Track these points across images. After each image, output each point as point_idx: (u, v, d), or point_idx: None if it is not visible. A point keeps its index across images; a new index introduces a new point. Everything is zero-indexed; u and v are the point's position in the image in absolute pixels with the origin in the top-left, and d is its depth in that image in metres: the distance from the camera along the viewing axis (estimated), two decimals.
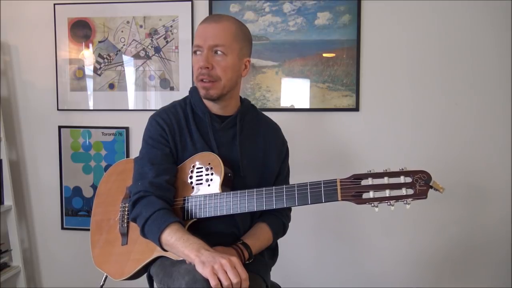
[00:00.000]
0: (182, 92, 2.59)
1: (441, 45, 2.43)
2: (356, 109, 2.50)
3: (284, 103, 2.55)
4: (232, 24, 1.55)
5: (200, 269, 1.26)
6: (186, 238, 1.37)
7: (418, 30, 2.45)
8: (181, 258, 1.42)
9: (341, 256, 2.61)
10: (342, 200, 1.36)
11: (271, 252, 1.75)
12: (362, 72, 2.49)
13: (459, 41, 2.42)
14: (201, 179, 1.54)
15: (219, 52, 1.52)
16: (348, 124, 2.53)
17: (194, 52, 1.56)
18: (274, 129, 1.76)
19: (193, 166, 1.56)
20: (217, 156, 1.53)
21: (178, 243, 1.37)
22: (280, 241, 1.78)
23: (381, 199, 1.34)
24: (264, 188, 1.47)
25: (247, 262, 1.54)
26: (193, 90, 1.67)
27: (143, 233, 1.49)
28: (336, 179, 1.38)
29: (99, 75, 2.67)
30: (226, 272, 1.23)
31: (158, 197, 1.49)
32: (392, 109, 2.50)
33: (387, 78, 2.48)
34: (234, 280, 1.23)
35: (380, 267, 2.58)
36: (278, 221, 1.71)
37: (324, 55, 2.50)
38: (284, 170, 1.75)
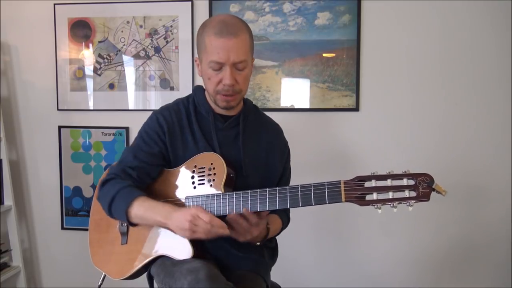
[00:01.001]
0: (182, 92, 2.57)
1: (441, 45, 2.42)
2: (356, 109, 2.48)
3: (284, 103, 2.54)
4: (248, 36, 1.51)
5: (181, 235, 1.43)
6: (153, 206, 1.47)
7: (418, 30, 2.43)
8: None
9: (341, 256, 2.59)
10: (346, 201, 1.35)
11: (271, 252, 1.74)
12: (362, 72, 2.47)
13: (459, 41, 2.41)
14: (203, 179, 1.52)
15: (241, 67, 1.50)
16: (348, 124, 2.52)
17: (211, 67, 1.49)
18: (276, 130, 1.75)
19: (195, 166, 1.54)
20: (219, 156, 1.52)
21: (147, 212, 1.46)
22: (280, 241, 1.77)
23: (384, 201, 1.32)
24: (267, 189, 1.45)
25: (258, 244, 1.57)
26: (198, 89, 1.66)
27: (110, 212, 1.54)
28: (340, 181, 1.37)
29: (99, 75, 2.65)
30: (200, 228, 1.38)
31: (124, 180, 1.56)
32: (392, 109, 2.48)
33: (387, 78, 2.47)
34: (207, 227, 1.37)
35: (380, 267, 2.56)
36: (284, 213, 1.74)
37: (324, 55, 2.48)
38: (286, 171, 1.74)
